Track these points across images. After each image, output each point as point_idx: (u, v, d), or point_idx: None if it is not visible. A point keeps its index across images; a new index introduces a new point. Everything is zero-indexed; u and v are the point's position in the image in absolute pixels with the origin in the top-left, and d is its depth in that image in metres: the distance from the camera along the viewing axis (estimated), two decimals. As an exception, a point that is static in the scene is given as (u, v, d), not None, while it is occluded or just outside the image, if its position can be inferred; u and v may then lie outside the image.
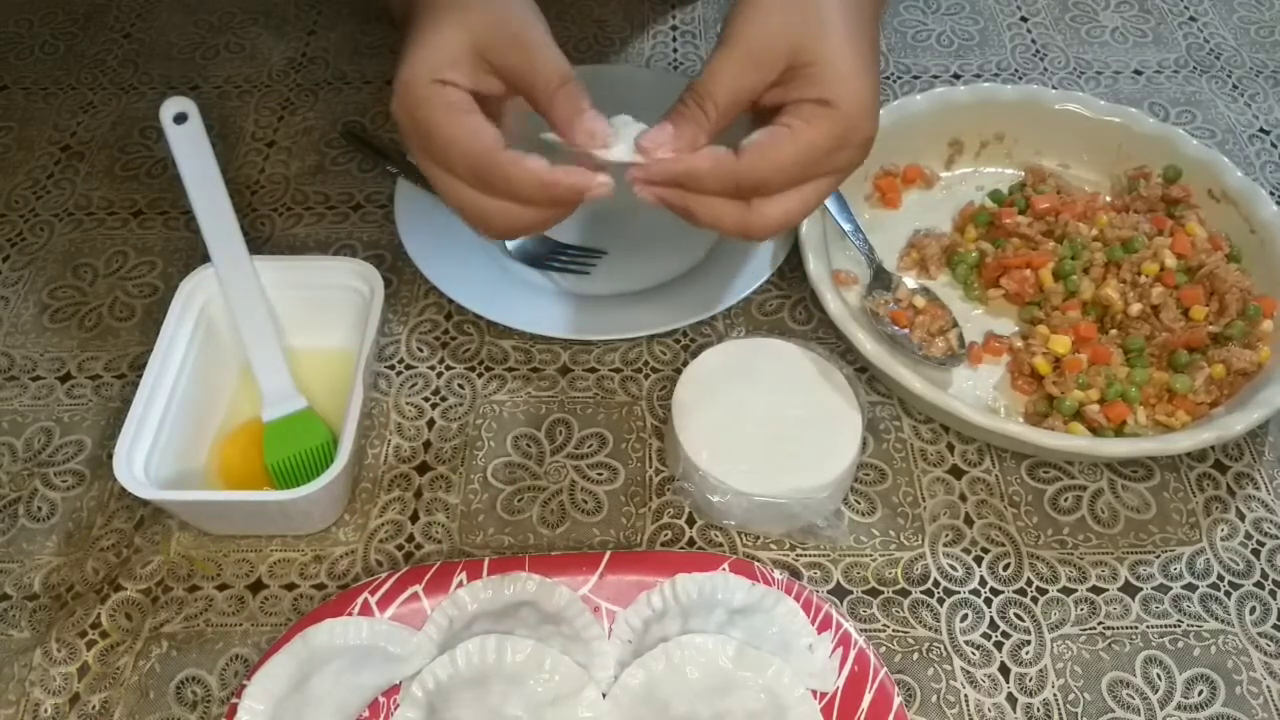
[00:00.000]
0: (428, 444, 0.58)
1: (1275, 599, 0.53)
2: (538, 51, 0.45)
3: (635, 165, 0.45)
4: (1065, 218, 0.64)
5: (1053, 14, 0.88)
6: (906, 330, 0.61)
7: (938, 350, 0.60)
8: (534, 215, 0.45)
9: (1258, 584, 0.53)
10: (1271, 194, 0.66)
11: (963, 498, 0.56)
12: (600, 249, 0.67)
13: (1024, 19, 0.87)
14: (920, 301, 0.62)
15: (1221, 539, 0.55)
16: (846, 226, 0.63)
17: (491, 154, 0.43)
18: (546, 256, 0.66)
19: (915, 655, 0.50)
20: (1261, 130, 0.77)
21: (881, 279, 0.63)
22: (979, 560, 0.54)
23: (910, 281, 0.64)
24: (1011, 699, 0.49)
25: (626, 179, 0.46)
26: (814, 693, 0.47)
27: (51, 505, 0.55)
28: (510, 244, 0.66)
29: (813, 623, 0.48)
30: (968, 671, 0.50)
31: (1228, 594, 0.53)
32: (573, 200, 0.45)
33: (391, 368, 0.62)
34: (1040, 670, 0.50)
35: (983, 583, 0.53)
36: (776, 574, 0.50)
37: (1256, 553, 0.54)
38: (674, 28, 0.85)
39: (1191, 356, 0.59)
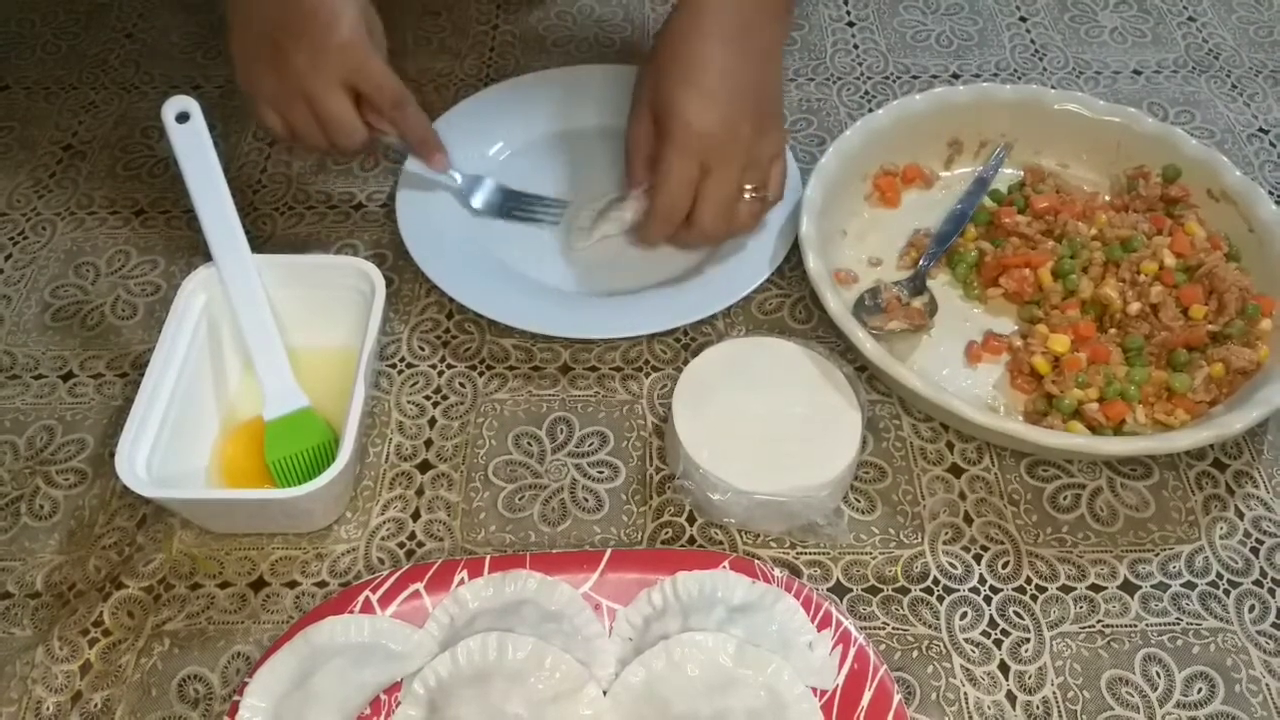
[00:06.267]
0: (429, 442, 0.58)
1: (1274, 597, 0.53)
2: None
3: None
4: (1064, 217, 0.65)
5: (1052, 14, 0.88)
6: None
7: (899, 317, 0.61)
8: (354, 140, 0.61)
9: (1256, 582, 0.53)
10: (1270, 193, 0.66)
11: (962, 496, 0.56)
12: (562, 199, 0.69)
13: (1023, 19, 0.87)
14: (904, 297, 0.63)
15: (1220, 537, 0.55)
16: None
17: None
18: (511, 208, 0.69)
19: (915, 653, 0.51)
20: (1260, 130, 0.77)
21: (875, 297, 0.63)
22: (978, 558, 0.54)
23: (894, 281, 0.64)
24: (1011, 697, 0.49)
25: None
26: (814, 690, 0.47)
27: (54, 503, 0.55)
28: (476, 201, 0.68)
29: (813, 620, 0.48)
30: (967, 669, 0.50)
31: (1227, 592, 0.53)
32: (426, 146, 0.65)
33: (393, 366, 0.62)
34: (1039, 668, 0.50)
35: (982, 581, 0.53)
36: (777, 572, 0.50)
37: (1255, 551, 0.55)
38: (674, 28, 0.85)
39: (1190, 355, 0.59)
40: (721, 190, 0.60)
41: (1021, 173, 0.70)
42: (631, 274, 0.66)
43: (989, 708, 0.49)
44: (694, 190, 0.59)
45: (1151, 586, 0.53)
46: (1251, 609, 0.52)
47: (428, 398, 0.60)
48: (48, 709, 0.48)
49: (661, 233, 0.62)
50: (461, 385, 0.61)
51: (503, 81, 0.77)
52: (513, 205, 0.69)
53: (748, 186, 0.61)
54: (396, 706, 0.47)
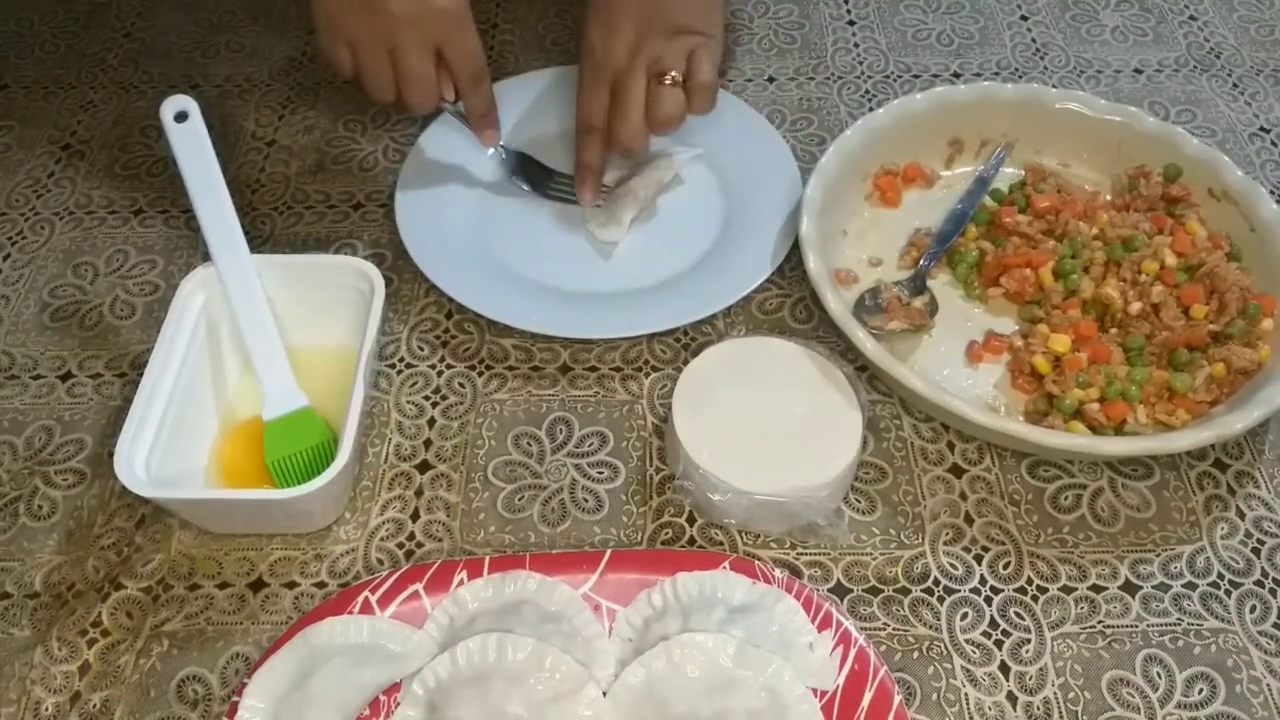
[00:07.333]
0: (428, 442, 0.58)
1: (1275, 597, 0.53)
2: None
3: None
4: (1065, 216, 0.64)
5: (1053, 13, 0.88)
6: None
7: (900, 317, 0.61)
8: (428, 102, 0.65)
9: (1258, 582, 0.53)
10: (1272, 193, 0.66)
11: (963, 496, 0.56)
12: (602, 185, 0.70)
13: (1024, 18, 0.87)
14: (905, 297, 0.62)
15: (1221, 537, 0.55)
16: None
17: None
18: (547, 183, 0.71)
19: (915, 654, 0.51)
20: (1262, 129, 0.77)
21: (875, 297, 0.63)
22: (979, 559, 0.54)
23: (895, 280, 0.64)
24: (1012, 697, 0.49)
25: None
26: (814, 691, 0.47)
27: (52, 504, 0.55)
28: (520, 178, 0.70)
29: (813, 621, 0.48)
30: (968, 670, 0.50)
31: (1228, 592, 0.53)
32: (485, 121, 0.69)
33: (392, 366, 0.62)
34: (1040, 669, 0.50)
35: (983, 581, 0.53)
36: (777, 572, 0.50)
37: (1257, 551, 0.54)
38: (674, 26, 0.85)
39: (1192, 355, 0.59)
40: (628, 99, 0.64)
41: (1022, 172, 0.70)
42: (631, 274, 0.66)
43: (990, 708, 0.49)
44: (605, 110, 0.66)
45: (1152, 587, 0.53)
46: (1253, 609, 0.52)
47: (427, 398, 0.60)
48: (46, 709, 0.48)
49: (589, 152, 0.67)
50: (461, 385, 0.61)
51: (501, 80, 0.76)
52: (551, 184, 0.71)
53: (667, 76, 0.64)
54: (396, 707, 0.47)
